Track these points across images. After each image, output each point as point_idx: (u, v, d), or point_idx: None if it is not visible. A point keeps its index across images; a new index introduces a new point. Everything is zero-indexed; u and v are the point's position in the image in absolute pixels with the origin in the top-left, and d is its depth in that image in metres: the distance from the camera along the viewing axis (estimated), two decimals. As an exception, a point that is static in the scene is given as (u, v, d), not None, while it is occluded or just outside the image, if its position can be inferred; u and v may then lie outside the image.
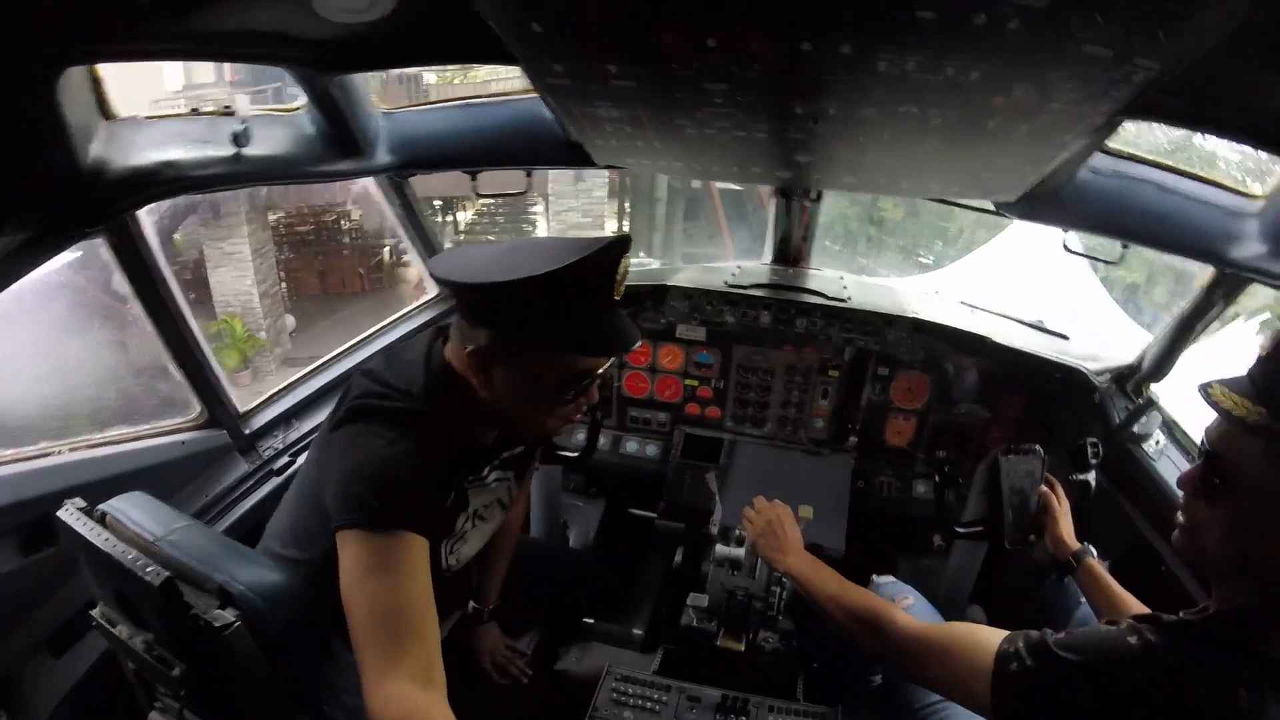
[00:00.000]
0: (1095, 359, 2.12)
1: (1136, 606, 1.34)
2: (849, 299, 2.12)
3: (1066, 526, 1.54)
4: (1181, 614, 0.90)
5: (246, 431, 1.83)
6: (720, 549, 1.76)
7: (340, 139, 1.49)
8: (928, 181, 1.50)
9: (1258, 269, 1.40)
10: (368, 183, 1.93)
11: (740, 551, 1.75)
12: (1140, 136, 1.51)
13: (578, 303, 1.02)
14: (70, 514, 1.06)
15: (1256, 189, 1.41)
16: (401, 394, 1.10)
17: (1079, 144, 1.11)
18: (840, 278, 2.31)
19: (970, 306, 2.44)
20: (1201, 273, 1.68)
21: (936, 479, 1.83)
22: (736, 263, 2.38)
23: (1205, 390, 0.87)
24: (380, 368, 1.16)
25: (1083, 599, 1.51)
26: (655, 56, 0.93)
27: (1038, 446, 1.60)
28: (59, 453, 1.43)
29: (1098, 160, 1.44)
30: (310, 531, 1.14)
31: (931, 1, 0.73)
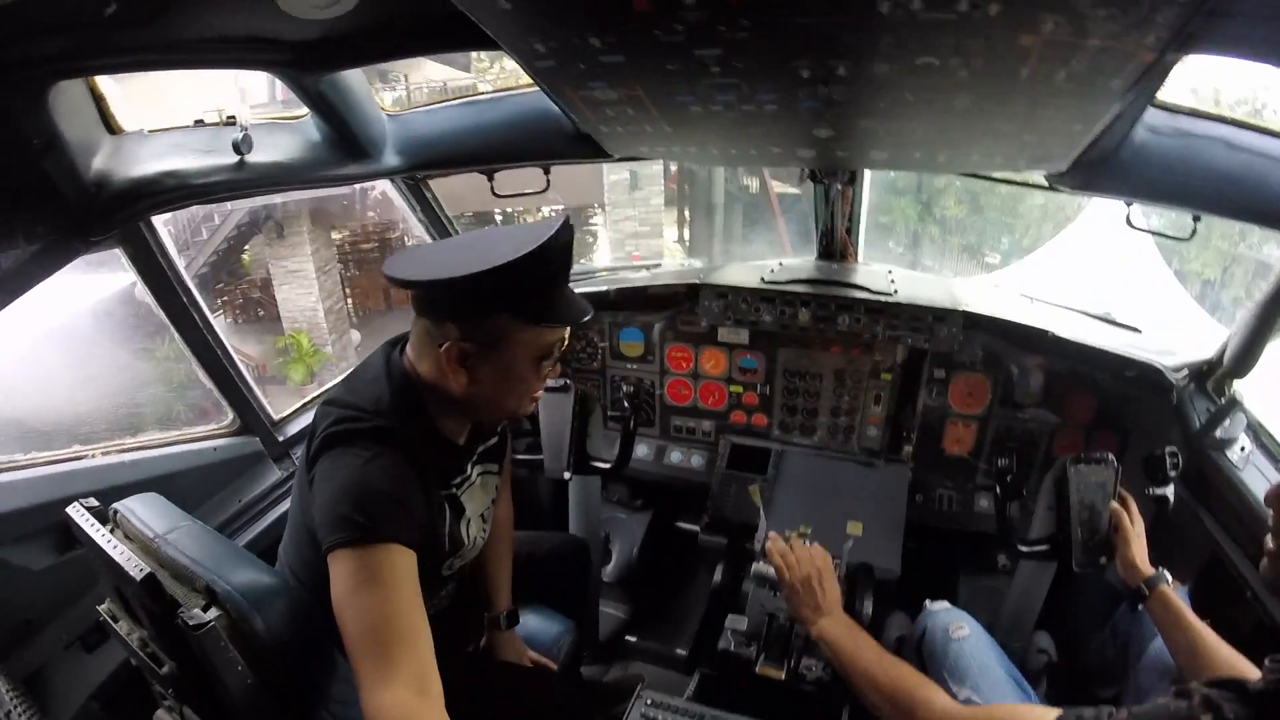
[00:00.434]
0: (1170, 354, 1.88)
1: (1215, 645, 1.17)
2: (895, 293, 1.96)
3: (1140, 549, 1.37)
4: (1269, 672, 0.74)
5: (280, 439, 1.86)
6: (758, 567, 1.63)
7: (344, 143, 1.50)
8: (967, 152, 1.36)
9: None
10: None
11: None
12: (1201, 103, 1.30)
13: (546, 278, 1.12)
14: (77, 511, 1.10)
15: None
16: (370, 414, 1.13)
17: (1129, 94, 0.96)
18: (888, 271, 2.14)
19: (1030, 299, 2.23)
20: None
21: (998, 491, 1.67)
22: (779, 260, 2.25)
23: None
24: (342, 394, 1.19)
25: None
26: (632, 22, 0.87)
27: (1110, 455, 1.45)
28: (92, 456, 1.49)
29: (1154, 117, 1.26)
30: (305, 560, 1.19)
31: None
